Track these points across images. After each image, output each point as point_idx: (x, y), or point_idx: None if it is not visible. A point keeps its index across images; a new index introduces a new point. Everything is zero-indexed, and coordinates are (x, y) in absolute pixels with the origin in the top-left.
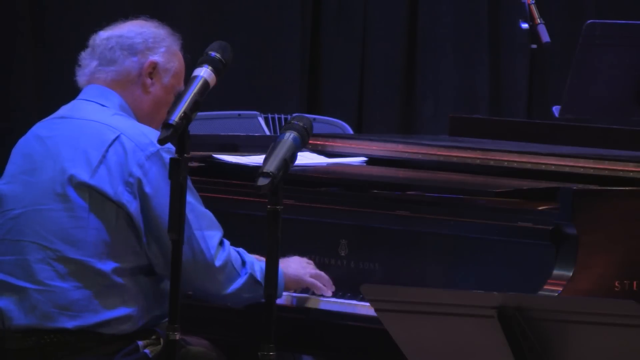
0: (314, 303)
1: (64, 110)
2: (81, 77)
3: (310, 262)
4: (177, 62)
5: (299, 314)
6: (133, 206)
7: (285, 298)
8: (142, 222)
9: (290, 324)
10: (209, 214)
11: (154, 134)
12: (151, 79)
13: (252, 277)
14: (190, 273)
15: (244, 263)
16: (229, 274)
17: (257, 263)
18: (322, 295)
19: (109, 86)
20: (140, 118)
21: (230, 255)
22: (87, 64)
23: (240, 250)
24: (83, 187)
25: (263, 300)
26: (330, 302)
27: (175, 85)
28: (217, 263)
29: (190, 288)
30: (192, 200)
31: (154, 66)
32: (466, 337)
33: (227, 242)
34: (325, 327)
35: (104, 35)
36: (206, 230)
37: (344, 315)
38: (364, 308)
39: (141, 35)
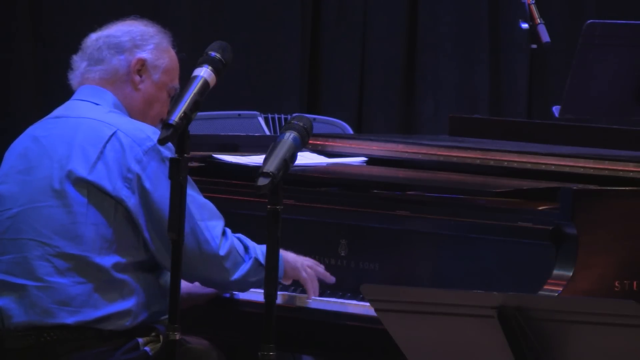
0: (314, 303)
1: (58, 110)
2: (73, 79)
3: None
4: (167, 59)
5: (298, 313)
6: (132, 201)
7: (284, 298)
8: (143, 218)
9: (290, 324)
10: (209, 204)
11: (150, 129)
12: (140, 76)
13: (256, 261)
14: (197, 263)
15: (246, 248)
16: (234, 260)
17: (258, 247)
18: (322, 295)
19: (100, 85)
20: (133, 115)
21: (233, 242)
22: (78, 66)
23: (240, 235)
24: (81, 183)
25: None
26: (330, 302)
27: (167, 81)
28: (222, 252)
29: (196, 278)
30: (192, 193)
31: (142, 63)
32: (466, 337)
33: (228, 231)
34: (325, 327)
35: (94, 37)
36: (208, 221)
37: (344, 315)
38: (364, 308)
39: (128, 34)
